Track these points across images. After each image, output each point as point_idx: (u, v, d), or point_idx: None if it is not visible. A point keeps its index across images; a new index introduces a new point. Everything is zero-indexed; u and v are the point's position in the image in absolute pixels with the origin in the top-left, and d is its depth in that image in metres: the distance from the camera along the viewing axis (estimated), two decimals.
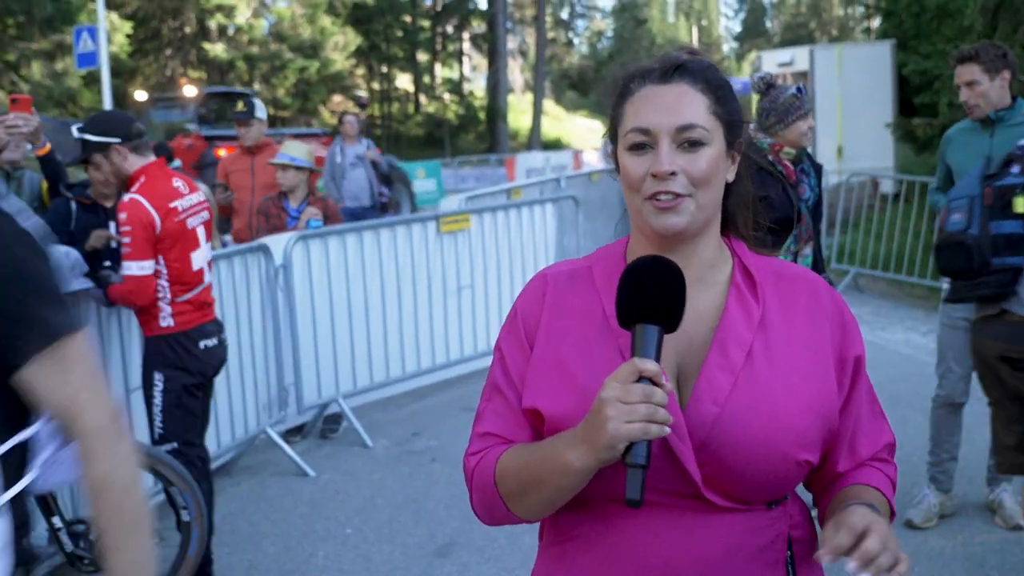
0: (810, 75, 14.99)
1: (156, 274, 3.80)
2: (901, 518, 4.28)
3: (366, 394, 6.14)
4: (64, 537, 3.47)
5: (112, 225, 4.35)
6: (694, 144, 1.39)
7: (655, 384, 1.25)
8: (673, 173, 1.38)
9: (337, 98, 46.29)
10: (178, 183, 3.89)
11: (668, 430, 1.25)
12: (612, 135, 1.48)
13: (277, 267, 5.50)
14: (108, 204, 4.40)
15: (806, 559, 1.47)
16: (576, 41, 69.44)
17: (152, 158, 3.84)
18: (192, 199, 3.91)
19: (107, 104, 17.50)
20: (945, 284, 4.35)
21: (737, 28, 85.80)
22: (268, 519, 4.76)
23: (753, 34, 77.82)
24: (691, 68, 1.43)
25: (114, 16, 34.20)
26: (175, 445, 3.89)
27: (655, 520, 1.38)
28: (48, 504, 3.41)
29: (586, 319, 1.46)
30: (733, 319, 1.42)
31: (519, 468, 1.40)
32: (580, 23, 69.74)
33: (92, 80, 32.42)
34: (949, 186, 4.40)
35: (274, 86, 42.53)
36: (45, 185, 4.57)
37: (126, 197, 3.74)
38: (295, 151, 5.87)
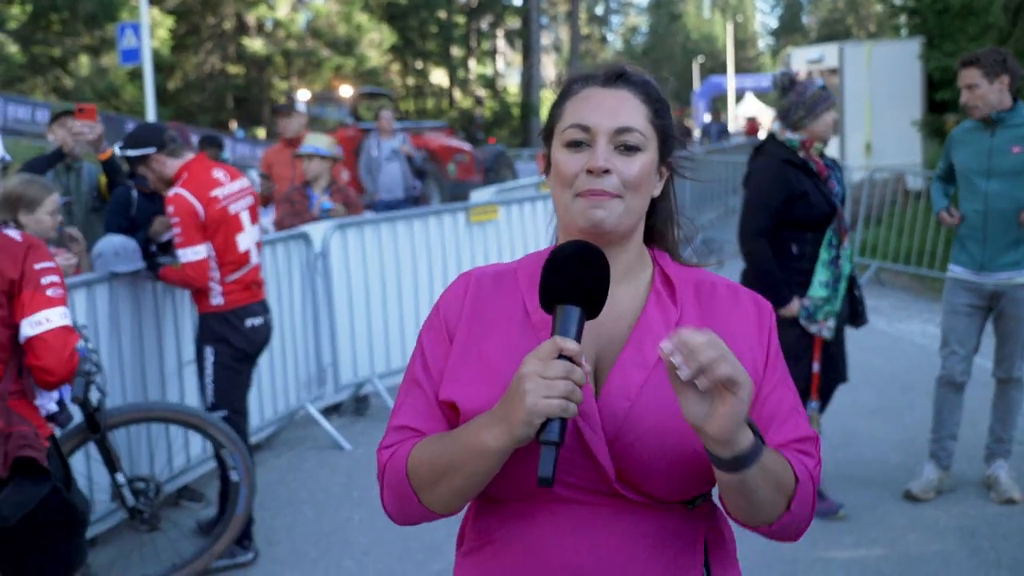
0: (840, 72, 15.13)
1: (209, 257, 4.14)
2: (901, 490, 4.54)
3: (398, 375, 6.48)
4: (127, 493, 3.83)
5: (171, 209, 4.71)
6: (630, 148, 1.42)
7: (574, 363, 1.26)
8: (607, 171, 1.40)
9: None
10: (219, 173, 4.22)
11: (577, 409, 1.26)
12: (547, 135, 1.50)
13: (316, 254, 5.84)
14: (165, 193, 4.75)
15: (723, 561, 1.49)
16: (610, 37, 69.54)
17: (189, 156, 4.17)
18: (234, 187, 4.24)
19: (149, 98, 17.96)
20: (950, 273, 4.60)
21: (773, 24, 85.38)
22: (306, 487, 5.10)
23: (789, 30, 77.32)
24: (633, 78, 1.47)
25: (155, 11, 34.86)
26: (225, 413, 4.23)
27: (573, 518, 1.38)
28: (112, 461, 3.77)
29: (508, 317, 1.47)
30: (651, 318, 1.44)
31: (432, 456, 1.38)
32: (615, 19, 69.85)
33: (135, 75, 33.16)
34: (950, 179, 4.66)
35: (311, 81, 43.13)
36: (104, 179, 4.94)
37: (171, 192, 4.08)
38: (319, 142, 6.21)
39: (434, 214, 6.63)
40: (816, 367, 4.29)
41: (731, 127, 48.16)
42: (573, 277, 1.30)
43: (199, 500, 4.93)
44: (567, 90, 1.48)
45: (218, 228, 4.12)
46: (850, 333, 4.64)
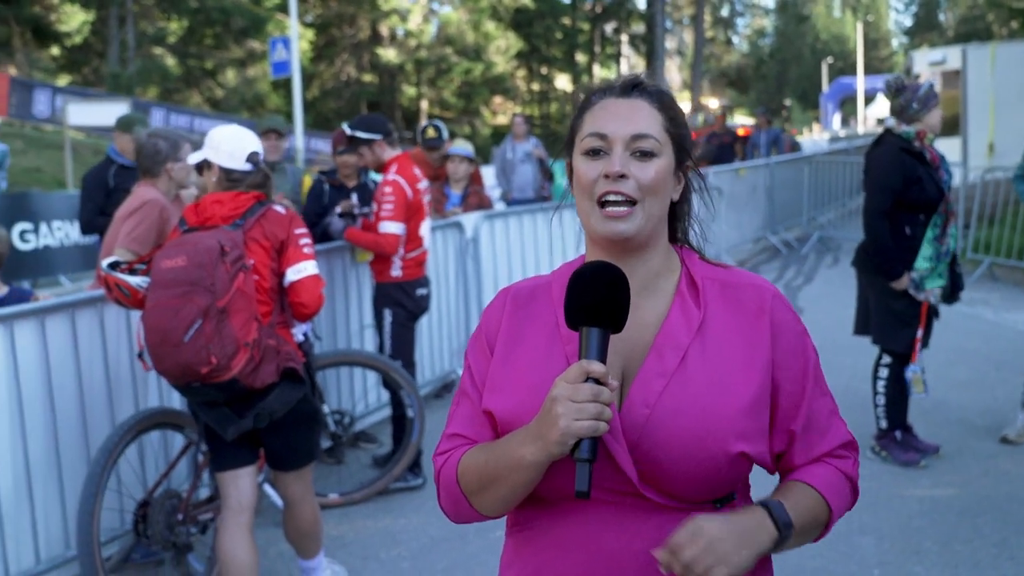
0: (962, 74, 15.30)
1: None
2: (981, 448, 5.17)
3: None
4: (329, 420, 4.85)
5: (353, 197, 5.71)
6: (646, 154, 1.47)
7: (602, 384, 1.33)
8: (624, 176, 1.46)
9: (498, 99, 48.13)
10: (417, 171, 5.20)
11: (608, 427, 1.33)
12: (569, 145, 1.56)
13: (468, 240, 6.81)
14: (350, 184, 5.79)
15: None
16: (736, 40, 69.17)
17: (399, 151, 5.15)
18: (425, 183, 5.22)
19: (297, 107, 19.45)
20: None
21: (908, 22, 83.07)
22: None
23: (925, 28, 75.07)
24: (648, 88, 1.54)
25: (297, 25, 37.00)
26: (400, 363, 5.20)
27: (601, 515, 1.45)
28: (320, 394, 4.78)
29: (541, 329, 1.54)
30: (673, 325, 1.48)
31: (479, 466, 1.47)
32: (740, 21, 69.41)
33: (277, 85, 35.39)
34: None
35: (439, 88, 44.78)
36: (307, 179, 6.04)
37: (390, 176, 5.02)
38: (466, 146, 7.17)
39: (569, 207, 7.50)
40: (919, 333, 4.98)
41: (860, 128, 47.41)
42: (595, 298, 1.36)
43: (374, 442, 5.94)
44: (586, 102, 1.55)
45: (414, 213, 5.08)
46: (954, 320, 5.31)
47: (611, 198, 1.46)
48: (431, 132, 7.94)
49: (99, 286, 3.86)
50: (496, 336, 1.56)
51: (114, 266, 3.53)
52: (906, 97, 4.97)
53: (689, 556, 1.33)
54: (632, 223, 1.46)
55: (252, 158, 3.52)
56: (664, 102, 1.53)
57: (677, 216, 1.58)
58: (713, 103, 43.49)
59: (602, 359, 1.35)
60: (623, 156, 1.46)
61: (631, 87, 1.53)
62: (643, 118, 1.49)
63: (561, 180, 18.80)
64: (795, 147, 20.89)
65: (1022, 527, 4.22)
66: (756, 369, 1.46)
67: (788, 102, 62.35)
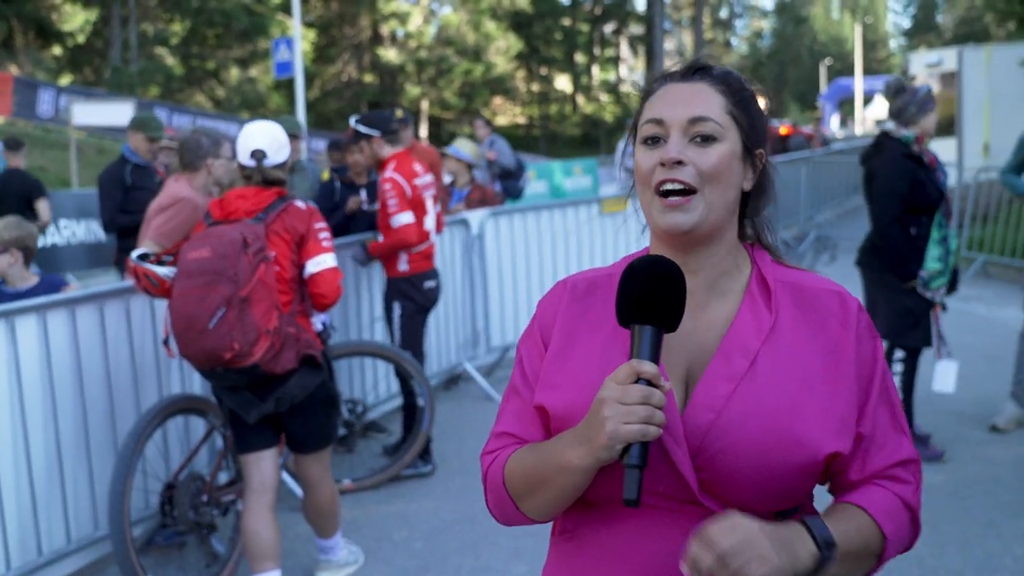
0: (958, 75, 15.51)
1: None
2: (970, 434, 5.36)
3: None
4: (343, 407, 5.03)
5: (363, 193, 5.89)
6: (706, 139, 1.39)
7: (654, 385, 1.26)
8: (681, 162, 1.37)
9: (498, 99, 48.36)
10: (418, 167, 5.37)
11: (660, 431, 1.26)
12: (633, 139, 1.47)
13: (474, 236, 6.99)
14: (361, 181, 5.98)
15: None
16: (735, 41, 69.38)
17: (400, 148, 5.32)
18: (427, 179, 5.39)
19: (300, 107, 19.63)
20: None
21: (906, 24, 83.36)
22: (467, 426, 6.22)
23: (923, 30, 75.30)
24: (713, 71, 1.46)
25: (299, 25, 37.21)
26: (409, 354, 5.38)
27: (655, 523, 1.37)
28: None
29: (599, 323, 1.46)
30: (742, 327, 1.40)
31: (526, 468, 1.41)
32: (739, 23, 69.65)
33: (278, 86, 35.62)
34: (1019, 172, 5.56)
35: (440, 88, 45.01)
36: (326, 174, 6.24)
37: (387, 174, 5.19)
38: (461, 147, 7.38)
39: (571, 205, 7.72)
40: (935, 329, 5.18)
41: (858, 129, 47.62)
42: (648, 294, 1.30)
43: (384, 431, 6.12)
44: (648, 91, 1.48)
45: (414, 208, 5.26)
46: (949, 316, 5.46)
47: (669, 187, 1.38)
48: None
49: (129, 276, 4.04)
50: (551, 329, 1.49)
51: (143, 257, 3.71)
52: (904, 99, 5.10)
53: (727, 546, 1.23)
54: (692, 214, 1.38)
55: (255, 154, 3.70)
56: (731, 84, 1.45)
57: (749, 210, 1.48)
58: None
59: (655, 359, 1.29)
60: (680, 142, 1.39)
61: (693, 71, 1.45)
62: (702, 100, 1.41)
63: (582, 178, 18.91)
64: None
65: (1008, 508, 4.42)
66: (837, 380, 1.38)
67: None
